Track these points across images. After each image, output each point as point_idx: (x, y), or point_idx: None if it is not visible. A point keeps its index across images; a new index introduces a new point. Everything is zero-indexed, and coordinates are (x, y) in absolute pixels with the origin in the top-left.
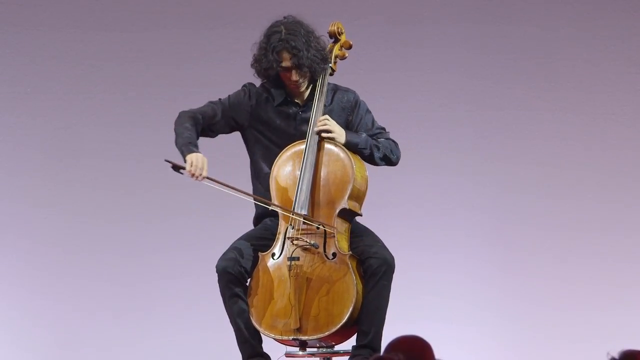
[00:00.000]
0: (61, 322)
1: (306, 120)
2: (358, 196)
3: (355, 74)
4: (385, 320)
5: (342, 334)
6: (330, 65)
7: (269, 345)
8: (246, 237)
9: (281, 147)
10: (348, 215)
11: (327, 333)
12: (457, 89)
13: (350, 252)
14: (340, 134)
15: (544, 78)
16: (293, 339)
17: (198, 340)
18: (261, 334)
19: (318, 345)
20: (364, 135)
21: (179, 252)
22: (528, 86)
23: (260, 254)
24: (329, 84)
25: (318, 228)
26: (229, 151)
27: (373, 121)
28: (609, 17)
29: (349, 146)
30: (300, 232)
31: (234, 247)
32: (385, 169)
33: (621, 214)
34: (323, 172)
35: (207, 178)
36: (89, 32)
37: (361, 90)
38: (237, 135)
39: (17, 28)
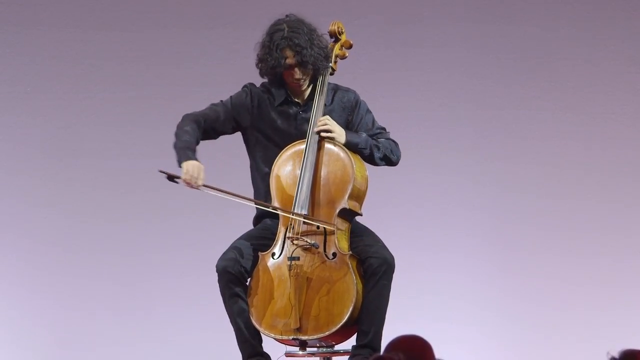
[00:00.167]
0: (61, 322)
1: (307, 120)
2: (358, 196)
3: (355, 74)
4: (385, 320)
5: (342, 334)
6: (330, 65)
7: (269, 345)
8: (246, 237)
9: (282, 147)
10: (348, 215)
11: (327, 333)
12: (457, 88)
13: (351, 252)
14: (340, 134)
15: (544, 78)
16: (293, 339)
17: (198, 340)
18: (261, 334)
19: (318, 345)
20: (364, 135)
21: (179, 252)
22: (528, 86)
23: (260, 253)
24: (329, 83)
25: (318, 228)
26: (228, 152)
27: (373, 121)
28: (609, 17)
29: (349, 146)
30: (300, 232)
31: (234, 247)
32: (385, 168)
33: (621, 214)
34: (323, 172)
35: (204, 185)
36: (89, 32)
37: (361, 90)
38: (236, 136)
39: (17, 28)
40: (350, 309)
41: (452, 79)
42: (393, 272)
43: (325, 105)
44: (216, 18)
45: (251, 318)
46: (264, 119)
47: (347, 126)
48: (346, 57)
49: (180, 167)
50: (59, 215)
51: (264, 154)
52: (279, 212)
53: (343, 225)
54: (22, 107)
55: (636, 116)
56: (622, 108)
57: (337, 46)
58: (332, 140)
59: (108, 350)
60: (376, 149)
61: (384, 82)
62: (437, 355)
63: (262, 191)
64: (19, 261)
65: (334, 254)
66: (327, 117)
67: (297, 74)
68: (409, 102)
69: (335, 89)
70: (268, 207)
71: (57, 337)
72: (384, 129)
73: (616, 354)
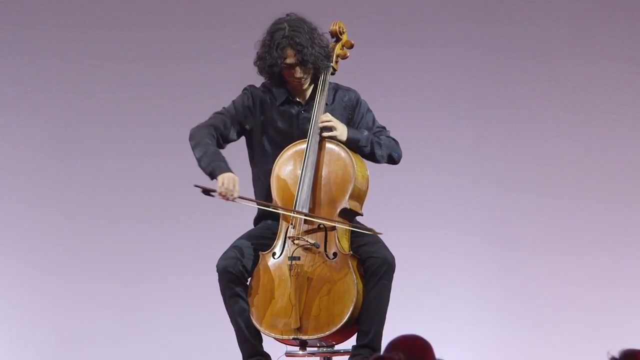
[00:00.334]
0: (61, 322)
1: (308, 120)
2: (359, 196)
3: (355, 74)
4: (386, 320)
5: (342, 334)
6: (331, 64)
7: (269, 344)
8: (247, 237)
9: (283, 147)
10: (349, 214)
11: (327, 333)
12: (457, 88)
13: (351, 251)
14: (342, 130)
15: (544, 78)
16: (293, 339)
17: (198, 339)
18: (261, 334)
19: (318, 344)
20: (366, 132)
21: (179, 252)
22: (528, 86)
23: (260, 253)
24: (330, 83)
25: (319, 227)
26: (229, 151)
27: (374, 120)
28: (609, 17)
29: (351, 143)
30: (301, 231)
31: (234, 246)
32: (385, 168)
33: (621, 214)
34: (324, 172)
35: (239, 197)
36: (89, 32)
37: (361, 89)
38: None
39: (17, 27)
40: (351, 309)
41: (452, 79)
42: (393, 272)
43: (326, 104)
44: (216, 18)
45: (251, 318)
46: (266, 119)
47: (349, 125)
48: (347, 57)
49: (214, 179)
50: (59, 215)
51: (265, 153)
52: (289, 213)
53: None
54: (22, 107)
55: (636, 116)
56: (622, 108)
57: (338, 46)
58: (333, 137)
59: (108, 350)
60: (378, 145)
61: (384, 82)
62: (437, 355)
63: (263, 191)
64: (19, 261)
65: (335, 254)
66: (329, 114)
67: (298, 73)
68: (409, 102)
69: (336, 88)
70: (290, 211)
71: (57, 337)
72: (384, 127)
73: (616, 354)
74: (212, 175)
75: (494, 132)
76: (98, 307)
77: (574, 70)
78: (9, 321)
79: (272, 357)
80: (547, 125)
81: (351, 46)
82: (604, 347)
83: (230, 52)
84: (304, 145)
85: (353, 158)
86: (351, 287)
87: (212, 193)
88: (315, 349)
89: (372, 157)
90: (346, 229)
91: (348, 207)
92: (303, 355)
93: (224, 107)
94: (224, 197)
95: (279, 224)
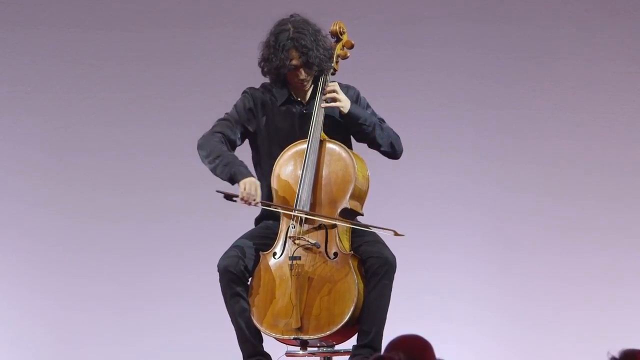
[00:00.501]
0: (61, 322)
1: (309, 119)
2: (359, 196)
3: (355, 74)
4: (386, 320)
5: (343, 334)
6: (333, 65)
7: (269, 344)
8: (248, 236)
9: (284, 146)
10: (349, 215)
11: (328, 332)
12: (457, 88)
13: (352, 251)
14: (345, 102)
15: (544, 78)
16: (294, 339)
17: (198, 339)
18: (262, 333)
19: (319, 344)
20: (370, 111)
21: (179, 252)
22: (528, 86)
23: (261, 253)
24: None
25: (320, 227)
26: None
27: (373, 112)
28: (609, 17)
29: (351, 118)
30: (301, 231)
31: (235, 246)
32: (385, 168)
33: (621, 214)
34: (325, 172)
35: (261, 202)
36: (89, 32)
37: (361, 89)
38: None
39: (17, 27)
40: (352, 308)
41: (452, 79)
42: (394, 272)
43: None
44: (216, 18)
45: (252, 318)
46: (267, 120)
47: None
48: (347, 57)
49: (234, 184)
50: (59, 215)
51: (266, 153)
52: (302, 214)
53: (345, 225)
54: (22, 107)
55: (636, 116)
56: (622, 108)
57: (339, 46)
58: (336, 107)
59: (108, 350)
60: (379, 129)
61: (384, 82)
62: (437, 355)
63: (263, 191)
64: (19, 261)
65: (336, 254)
66: (335, 83)
67: (302, 74)
68: (409, 102)
69: None
70: (309, 214)
71: (57, 337)
72: (383, 120)
73: (616, 354)
74: (233, 180)
75: (494, 132)
76: (98, 307)
77: (574, 70)
78: (9, 321)
79: (272, 357)
80: (547, 125)
81: (351, 46)
82: (604, 347)
83: (230, 52)
84: (305, 146)
85: (354, 158)
86: (352, 287)
87: (235, 198)
88: (316, 349)
89: (372, 139)
90: (347, 228)
91: (349, 207)
92: (304, 355)
93: (226, 113)
94: (246, 202)
95: (279, 223)
